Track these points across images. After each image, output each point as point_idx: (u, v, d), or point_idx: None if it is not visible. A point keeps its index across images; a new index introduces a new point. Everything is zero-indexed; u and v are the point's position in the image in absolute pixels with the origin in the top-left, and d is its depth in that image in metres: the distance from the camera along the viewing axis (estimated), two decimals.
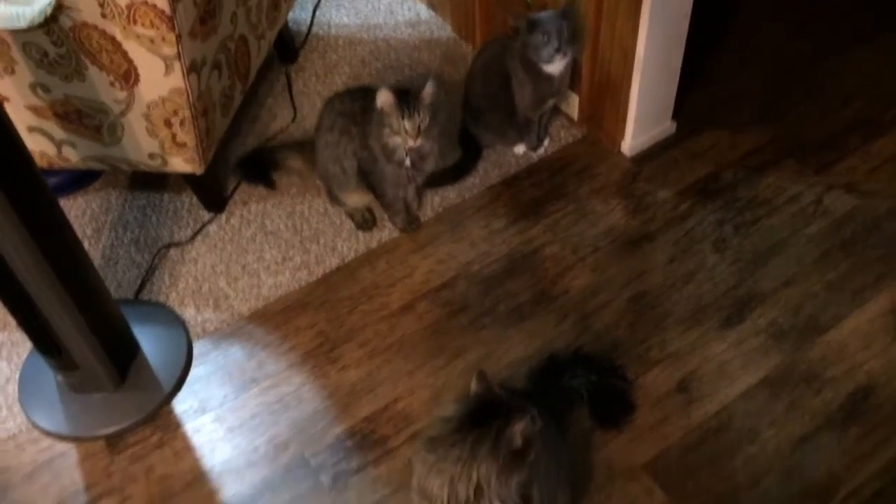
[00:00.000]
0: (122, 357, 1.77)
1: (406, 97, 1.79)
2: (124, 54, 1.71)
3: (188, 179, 2.05)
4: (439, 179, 2.16)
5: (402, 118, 1.78)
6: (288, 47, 2.51)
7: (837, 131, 2.24)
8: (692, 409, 1.70)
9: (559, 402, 1.66)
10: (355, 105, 1.92)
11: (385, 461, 1.65)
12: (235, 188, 2.18)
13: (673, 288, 1.91)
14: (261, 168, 2.15)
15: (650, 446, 1.65)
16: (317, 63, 2.53)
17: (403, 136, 1.81)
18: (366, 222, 2.07)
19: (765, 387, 1.73)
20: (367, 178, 1.95)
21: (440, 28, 2.61)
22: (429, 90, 1.80)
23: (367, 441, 1.68)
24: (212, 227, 2.10)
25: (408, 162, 1.87)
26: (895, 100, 2.31)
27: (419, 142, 1.82)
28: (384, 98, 1.78)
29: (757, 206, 2.07)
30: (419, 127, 1.80)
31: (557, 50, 1.94)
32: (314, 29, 2.63)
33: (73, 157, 1.95)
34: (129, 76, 1.75)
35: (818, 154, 2.18)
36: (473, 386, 1.29)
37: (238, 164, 2.18)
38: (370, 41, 2.59)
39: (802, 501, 1.56)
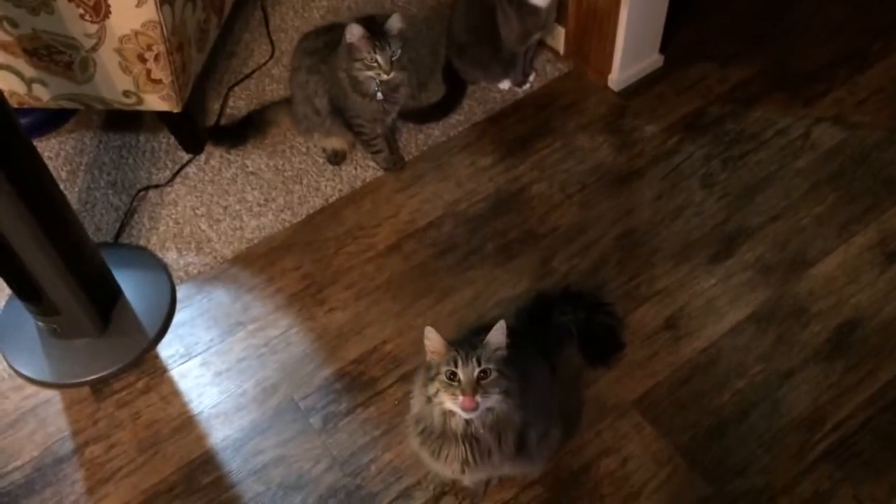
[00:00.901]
0: (104, 302, 1.73)
1: (376, 31, 1.74)
2: None
3: (165, 119, 1.99)
4: (424, 116, 2.11)
5: (374, 52, 1.73)
6: None
7: (825, 63, 2.21)
8: (680, 345, 1.71)
9: (549, 339, 1.65)
10: (320, 42, 1.88)
11: (374, 402, 1.64)
12: (214, 127, 2.11)
13: (661, 224, 1.90)
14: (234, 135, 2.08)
15: (639, 383, 1.65)
16: None
17: (376, 70, 1.76)
18: (336, 156, 2.03)
19: (752, 322, 1.73)
20: (343, 117, 1.91)
21: None
22: (393, 23, 1.74)
23: (357, 383, 1.67)
24: (191, 169, 2.04)
25: (379, 95, 1.83)
26: (882, 31, 2.27)
27: (392, 73, 1.77)
28: (355, 32, 1.73)
29: (745, 141, 2.05)
30: (391, 60, 1.75)
31: None
32: None
33: (44, 95, 1.87)
34: (99, 8, 1.68)
35: (806, 86, 2.15)
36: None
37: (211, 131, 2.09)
38: None
39: (790, 434, 1.57)
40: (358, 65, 1.77)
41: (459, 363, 1.19)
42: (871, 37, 2.26)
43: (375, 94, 1.83)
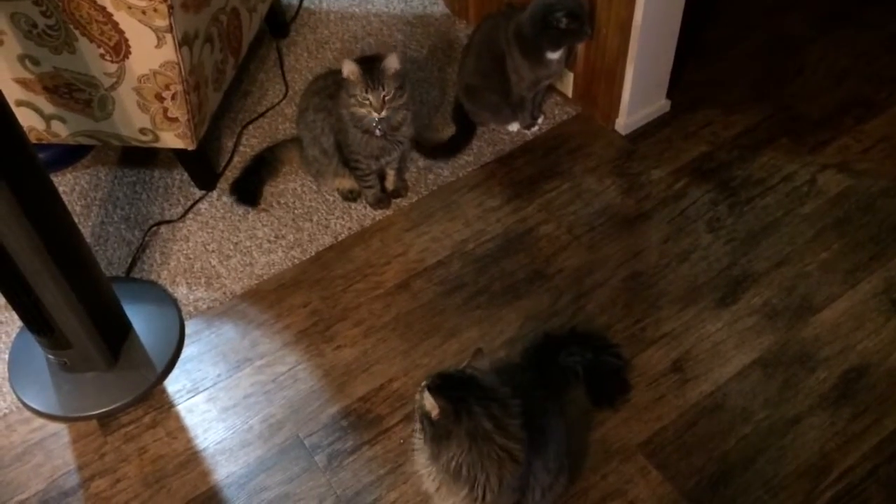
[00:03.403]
0: (114, 336, 1.75)
1: (371, 69, 1.77)
2: (115, 25, 1.68)
3: (179, 156, 2.02)
4: (433, 153, 2.14)
5: (366, 91, 1.77)
6: (279, 22, 2.47)
7: (831, 111, 2.24)
8: (687, 388, 1.71)
9: (555, 380, 1.65)
10: (329, 80, 1.92)
11: (380, 441, 1.65)
12: (227, 165, 2.15)
13: (668, 267, 1.91)
14: (253, 187, 2.09)
15: (645, 426, 1.65)
16: (308, 38, 2.49)
17: (368, 108, 1.80)
18: (351, 193, 2.06)
19: (758, 366, 1.73)
20: (343, 152, 1.94)
21: (433, 3, 2.58)
22: (389, 63, 1.78)
23: (363, 421, 1.68)
24: (203, 205, 2.07)
25: (378, 131, 1.86)
26: (888, 78, 2.31)
27: (384, 113, 1.81)
28: (349, 69, 1.77)
29: (751, 186, 2.07)
30: (383, 99, 1.79)
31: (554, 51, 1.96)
32: (305, 3, 2.59)
33: (62, 132, 1.91)
34: (119, 48, 1.72)
35: (812, 133, 2.18)
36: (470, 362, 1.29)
37: (233, 184, 2.09)
38: (362, 16, 2.55)
39: (796, 481, 1.57)
40: (352, 100, 1.80)
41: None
42: (876, 85, 2.29)
43: (375, 131, 1.86)
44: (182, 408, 1.72)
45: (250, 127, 2.25)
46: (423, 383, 1.24)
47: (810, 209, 2.01)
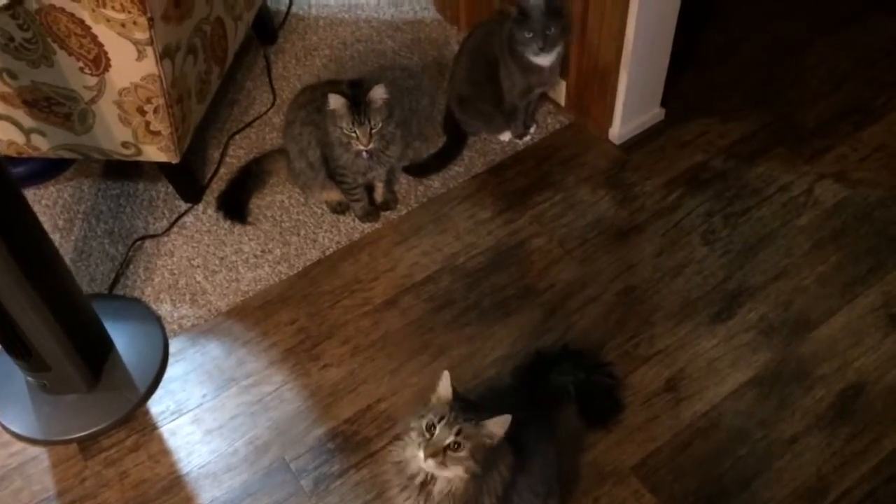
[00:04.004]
0: (95, 356, 1.71)
1: (357, 101, 1.73)
2: (94, 39, 1.64)
3: (163, 169, 1.98)
4: (423, 169, 2.10)
5: (353, 125, 1.74)
6: (267, 28, 2.43)
7: (828, 118, 2.20)
8: (681, 408, 1.67)
9: (546, 400, 1.62)
10: (317, 93, 1.88)
11: (367, 464, 1.61)
12: (213, 177, 2.11)
13: (661, 282, 1.88)
14: (240, 201, 2.05)
15: (639, 447, 1.62)
16: (297, 45, 2.45)
17: (355, 141, 1.77)
18: (340, 205, 2.02)
19: (754, 385, 1.70)
20: (330, 166, 1.90)
21: (424, 8, 2.53)
22: (376, 94, 1.74)
23: (350, 443, 1.64)
24: (188, 219, 2.03)
25: (365, 155, 1.82)
26: (886, 83, 2.27)
27: (371, 146, 1.78)
28: (335, 102, 1.74)
29: (747, 197, 2.03)
30: (370, 132, 1.75)
31: (542, 49, 1.89)
32: (293, 9, 2.54)
33: (43, 146, 1.87)
34: (99, 62, 1.68)
35: (808, 142, 2.14)
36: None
37: (219, 198, 2.05)
38: (351, 22, 2.51)
39: None
40: (339, 130, 1.77)
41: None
42: (874, 89, 2.26)
43: (362, 154, 1.82)
44: (165, 430, 1.68)
45: (237, 137, 2.21)
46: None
47: (807, 220, 1.97)
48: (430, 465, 1.18)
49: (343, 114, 1.75)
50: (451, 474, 1.19)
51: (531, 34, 1.86)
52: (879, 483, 1.55)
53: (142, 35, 1.62)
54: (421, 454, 1.17)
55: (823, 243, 1.93)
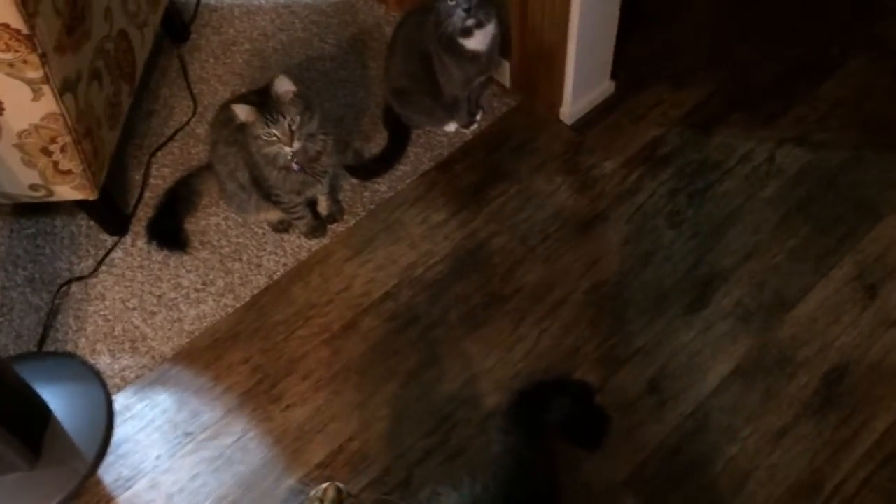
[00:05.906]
0: (31, 429, 1.55)
1: (265, 101, 1.57)
2: None
3: (81, 205, 1.79)
4: (368, 171, 1.96)
5: (268, 126, 1.57)
6: (177, 25, 2.21)
7: (782, 74, 2.11)
8: (666, 410, 1.61)
9: (541, 442, 1.51)
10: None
11: None
12: (137, 203, 1.93)
13: (631, 273, 1.79)
14: (172, 227, 1.88)
15: (627, 459, 1.55)
16: (212, 40, 2.24)
17: (278, 145, 1.60)
18: (281, 223, 1.87)
19: (738, 377, 1.64)
20: (262, 188, 1.74)
21: None
22: (280, 85, 1.57)
23: None
24: (117, 254, 1.85)
25: (295, 166, 1.67)
26: (837, 35, 2.18)
27: (297, 145, 1.61)
28: (242, 112, 1.58)
29: (708, 171, 1.94)
30: (290, 129, 1.59)
31: (467, 13, 1.68)
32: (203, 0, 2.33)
33: None
34: None
35: (765, 104, 2.05)
36: None
37: (149, 227, 1.88)
38: (270, 9, 2.31)
39: (790, 503, 1.49)
40: (259, 142, 1.60)
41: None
42: (825, 41, 2.17)
43: (292, 166, 1.66)
44: (122, 500, 1.55)
45: (159, 154, 2.02)
46: None
47: (772, 191, 1.90)
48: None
49: (254, 120, 1.58)
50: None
51: (454, 1, 1.69)
52: (873, 468, 1.52)
53: (35, 73, 1.42)
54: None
55: (791, 215, 1.86)
